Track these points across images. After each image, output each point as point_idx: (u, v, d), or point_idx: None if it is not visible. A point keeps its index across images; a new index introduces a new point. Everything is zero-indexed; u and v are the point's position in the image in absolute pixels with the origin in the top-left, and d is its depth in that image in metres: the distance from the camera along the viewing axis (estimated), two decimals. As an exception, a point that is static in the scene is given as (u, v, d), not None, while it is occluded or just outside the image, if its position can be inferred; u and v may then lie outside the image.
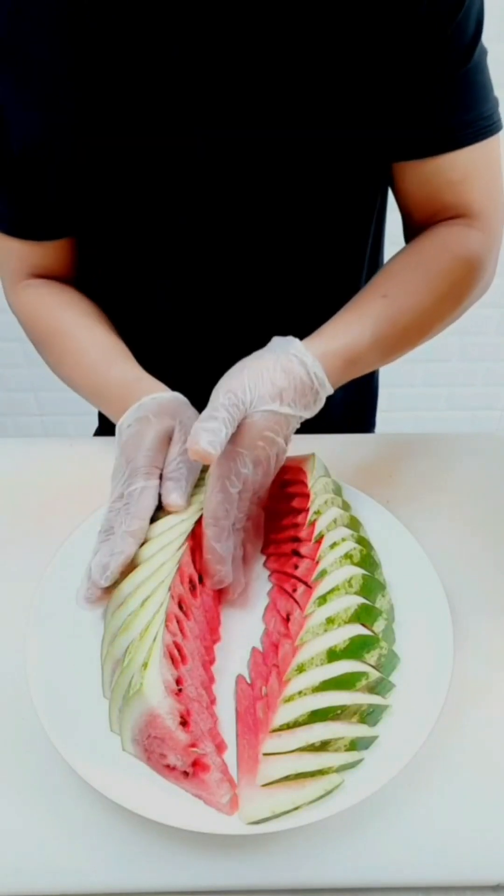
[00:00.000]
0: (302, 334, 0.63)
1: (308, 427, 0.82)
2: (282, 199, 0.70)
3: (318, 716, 0.49)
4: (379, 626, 0.55)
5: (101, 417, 1.04)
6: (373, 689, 0.52)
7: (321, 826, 0.49)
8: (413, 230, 0.76)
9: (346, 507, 0.65)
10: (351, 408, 0.98)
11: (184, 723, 0.49)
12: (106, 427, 1.02)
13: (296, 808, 0.47)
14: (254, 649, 0.57)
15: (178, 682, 0.51)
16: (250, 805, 0.47)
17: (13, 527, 0.67)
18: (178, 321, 0.82)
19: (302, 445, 0.70)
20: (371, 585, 0.57)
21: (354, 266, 0.81)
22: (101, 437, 0.78)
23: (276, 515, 0.66)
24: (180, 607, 0.56)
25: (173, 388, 0.66)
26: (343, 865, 0.49)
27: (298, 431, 0.78)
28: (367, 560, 0.59)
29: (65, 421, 1.99)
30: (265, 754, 0.48)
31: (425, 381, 1.92)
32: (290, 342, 0.61)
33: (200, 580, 0.60)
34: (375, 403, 1.04)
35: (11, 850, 0.49)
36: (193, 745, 0.49)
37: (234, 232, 0.73)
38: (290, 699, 0.50)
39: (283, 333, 0.64)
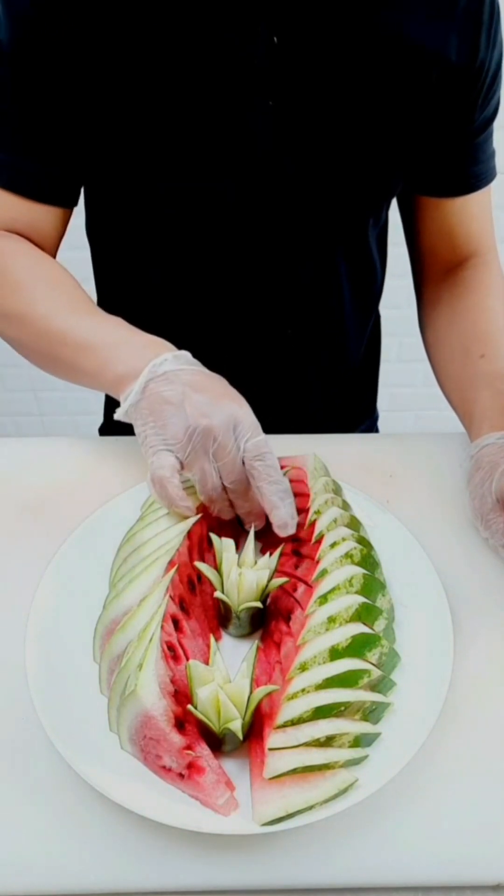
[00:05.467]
0: (306, 328, 0.65)
1: (307, 427, 0.82)
2: (314, 203, 0.74)
3: (321, 712, 0.49)
4: (379, 625, 0.55)
5: (107, 414, 1.03)
6: (375, 686, 0.52)
7: (321, 826, 0.49)
8: (428, 275, 0.87)
9: (346, 507, 0.65)
10: (350, 408, 0.98)
11: (180, 725, 0.49)
12: (111, 425, 1.01)
13: (310, 808, 0.47)
14: (256, 646, 0.57)
15: (174, 682, 0.51)
16: (264, 807, 0.47)
17: (13, 527, 0.67)
18: (187, 309, 0.82)
19: (302, 445, 0.70)
20: (371, 585, 0.57)
21: (366, 263, 0.86)
22: (102, 438, 0.78)
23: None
24: (181, 607, 0.55)
25: None
26: (343, 865, 0.49)
27: (298, 431, 0.78)
28: (368, 560, 0.59)
29: (65, 421, 1.99)
30: (270, 749, 0.48)
31: (425, 381, 1.92)
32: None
33: (199, 579, 0.60)
34: (375, 403, 1.04)
35: (12, 850, 0.49)
36: (188, 748, 0.48)
37: (261, 225, 0.74)
38: (293, 696, 0.50)
39: (290, 326, 0.73)
